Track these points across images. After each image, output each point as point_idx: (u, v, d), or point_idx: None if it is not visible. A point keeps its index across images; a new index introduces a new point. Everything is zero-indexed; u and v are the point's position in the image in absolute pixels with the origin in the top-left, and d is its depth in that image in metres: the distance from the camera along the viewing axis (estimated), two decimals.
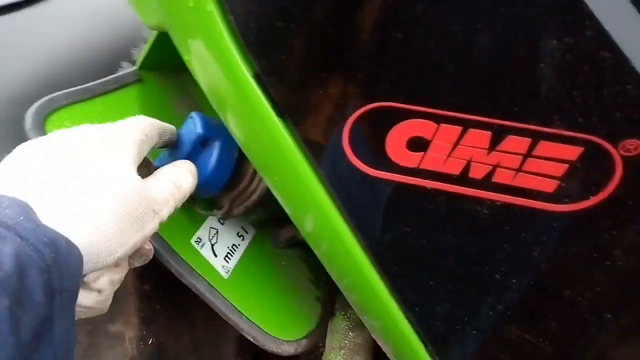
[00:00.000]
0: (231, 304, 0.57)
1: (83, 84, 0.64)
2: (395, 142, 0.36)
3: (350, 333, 0.71)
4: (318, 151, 0.39)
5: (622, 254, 0.37)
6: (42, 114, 0.49)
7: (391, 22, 0.32)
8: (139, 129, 0.42)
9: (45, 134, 0.49)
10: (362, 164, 0.38)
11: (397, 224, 0.41)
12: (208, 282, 0.56)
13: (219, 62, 0.36)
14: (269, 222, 0.68)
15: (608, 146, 0.32)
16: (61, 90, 0.60)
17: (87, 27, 0.73)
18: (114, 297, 0.71)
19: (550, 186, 0.35)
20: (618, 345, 0.42)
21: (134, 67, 0.60)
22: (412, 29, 0.32)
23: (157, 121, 0.46)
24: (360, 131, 0.37)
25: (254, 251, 0.65)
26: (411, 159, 0.37)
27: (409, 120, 0.35)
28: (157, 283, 0.76)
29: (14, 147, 0.37)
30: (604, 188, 0.34)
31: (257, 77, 0.36)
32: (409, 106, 0.34)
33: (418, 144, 0.36)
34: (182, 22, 0.36)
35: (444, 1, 0.30)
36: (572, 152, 0.33)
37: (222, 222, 0.63)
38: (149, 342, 0.76)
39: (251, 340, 0.59)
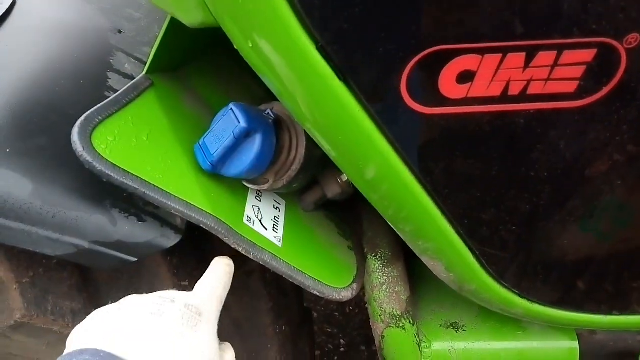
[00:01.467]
0: (294, 267, 0.63)
1: (74, 100, 0.64)
2: (447, 79, 0.43)
3: (385, 269, 0.79)
4: (379, 105, 0.45)
5: (630, 131, 0.47)
6: (86, 135, 0.51)
7: None
8: (220, 301, 0.50)
9: (95, 152, 0.50)
10: (419, 105, 0.45)
11: (450, 151, 0.49)
12: (271, 254, 0.61)
13: (285, 41, 0.41)
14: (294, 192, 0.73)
15: (615, 43, 0.41)
16: (55, 105, 0.60)
17: (60, 44, 0.72)
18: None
19: (572, 87, 0.44)
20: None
21: (143, 73, 0.62)
22: None
23: (228, 276, 0.53)
24: (416, 77, 0.43)
25: (290, 218, 0.71)
26: (460, 91, 0.44)
27: (457, 58, 0.42)
28: (193, 277, 0.79)
29: None
30: (613, 78, 0.43)
31: (321, 49, 0.41)
32: (457, 45, 0.41)
33: (466, 77, 0.43)
34: (245, 11, 0.40)
35: None
36: (589, 55, 0.41)
37: (259, 199, 0.67)
38: None
39: (317, 293, 0.65)
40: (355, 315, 1.85)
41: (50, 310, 0.66)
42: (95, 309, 0.71)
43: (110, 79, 0.72)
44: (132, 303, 0.44)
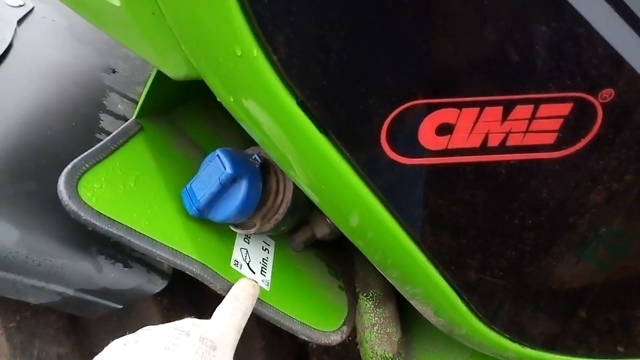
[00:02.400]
0: (282, 312, 0.62)
1: (65, 143, 0.65)
2: (426, 131, 0.43)
3: (377, 310, 0.78)
4: (360, 155, 0.45)
5: (610, 179, 0.47)
6: (72, 184, 0.51)
7: (414, 41, 0.39)
8: (237, 330, 0.50)
9: (81, 201, 0.51)
10: (400, 157, 0.45)
11: (433, 200, 0.49)
12: (259, 299, 0.60)
13: (265, 97, 0.41)
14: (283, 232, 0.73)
15: (590, 97, 0.41)
16: (46, 149, 0.61)
17: (54, 85, 0.73)
18: None
19: (550, 138, 0.44)
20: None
21: (133, 117, 0.63)
22: (430, 43, 0.39)
23: (250, 300, 0.54)
24: (396, 129, 0.43)
25: (280, 259, 0.70)
26: (440, 143, 0.44)
27: (436, 111, 0.42)
28: (183, 318, 0.78)
29: None
30: (590, 130, 0.43)
31: (301, 104, 0.42)
32: (434, 100, 0.42)
33: (445, 130, 0.43)
34: (227, 69, 0.41)
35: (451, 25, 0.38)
36: (565, 108, 0.42)
37: (247, 241, 0.67)
38: None
39: (305, 338, 0.64)
40: (354, 346, 1.82)
41: (36, 355, 0.65)
42: (83, 353, 0.70)
43: (102, 120, 0.73)
44: (148, 336, 0.45)
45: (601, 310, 0.63)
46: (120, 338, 0.45)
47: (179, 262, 0.54)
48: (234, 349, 0.49)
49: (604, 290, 0.61)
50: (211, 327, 0.48)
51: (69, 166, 0.52)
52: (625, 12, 0.37)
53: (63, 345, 0.67)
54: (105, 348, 0.44)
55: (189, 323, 0.48)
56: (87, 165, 0.54)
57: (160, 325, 0.47)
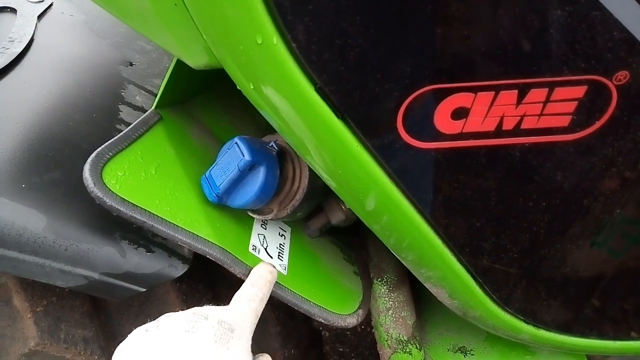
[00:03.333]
0: (299, 295, 0.64)
1: (87, 134, 0.67)
2: (442, 115, 0.44)
3: (391, 294, 0.80)
4: (376, 140, 0.46)
5: (624, 162, 0.47)
6: (97, 171, 0.53)
7: (430, 26, 0.40)
8: (255, 314, 0.51)
9: (105, 188, 0.52)
10: (416, 140, 0.46)
11: (448, 183, 0.50)
12: (277, 282, 0.62)
13: (285, 84, 0.43)
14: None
15: (605, 80, 0.42)
16: (69, 139, 0.63)
17: (74, 79, 0.75)
18: None
19: (565, 121, 0.45)
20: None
21: (152, 108, 0.64)
22: (446, 28, 0.40)
23: (267, 286, 0.55)
24: (412, 114, 0.44)
25: (296, 245, 0.72)
26: (455, 126, 0.45)
27: (452, 96, 0.43)
28: (202, 303, 0.80)
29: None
30: (605, 113, 0.44)
31: (319, 90, 0.43)
32: (450, 85, 0.43)
33: (460, 114, 0.44)
34: (248, 57, 0.42)
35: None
36: (580, 91, 0.43)
37: (264, 227, 0.69)
38: None
39: (322, 321, 0.66)
40: (367, 334, 1.84)
41: (63, 338, 0.68)
42: (105, 337, 0.73)
43: (121, 111, 0.75)
44: (169, 321, 0.47)
45: (615, 296, 0.63)
46: (142, 325, 0.47)
47: (199, 246, 0.56)
48: (252, 332, 0.50)
49: (619, 277, 0.61)
50: (229, 312, 0.50)
51: (94, 155, 0.54)
52: None
53: (87, 328, 0.69)
54: (128, 335, 0.46)
55: (208, 308, 0.49)
56: (110, 153, 0.55)
57: (181, 312, 0.49)
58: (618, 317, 0.66)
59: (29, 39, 0.74)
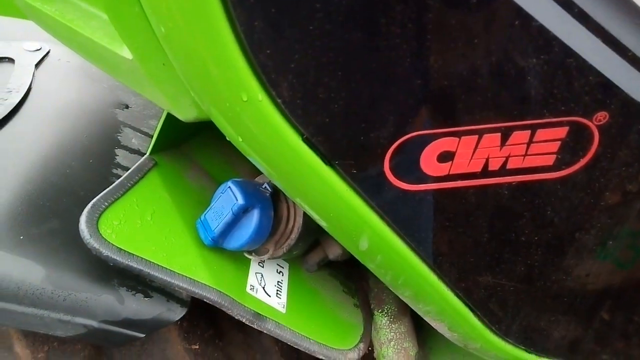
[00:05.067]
0: (298, 333, 0.64)
1: (84, 181, 0.68)
2: (428, 159, 0.45)
3: (392, 325, 0.80)
4: (365, 184, 0.47)
5: (610, 196, 0.48)
6: (93, 222, 0.54)
7: (409, 76, 0.41)
8: None
9: (102, 238, 0.53)
10: (403, 183, 0.47)
11: (439, 223, 0.50)
12: (274, 321, 0.62)
13: (272, 136, 0.44)
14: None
15: (585, 121, 0.43)
16: (66, 187, 0.64)
17: (71, 125, 0.76)
18: None
19: (550, 160, 0.45)
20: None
21: (147, 154, 0.65)
22: (427, 77, 0.41)
23: None
24: (398, 159, 0.45)
25: (294, 281, 0.72)
26: (442, 169, 0.46)
27: (436, 141, 0.44)
28: (204, 340, 0.81)
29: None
30: (588, 151, 0.45)
31: (307, 140, 0.44)
32: (434, 130, 0.43)
33: (446, 157, 0.45)
34: (235, 113, 0.43)
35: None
36: (562, 132, 0.43)
37: (262, 265, 0.69)
38: None
39: (323, 358, 0.66)
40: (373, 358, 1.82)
41: None
42: None
43: (118, 155, 0.76)
44: None
45: (620, 315, 0.63)
46: None
47: (197, 290, 0.56)
48: None
49: (618, 301, 0.61)
50: None
51: (89, 206, 0.55)
52: (611, 41, 0.39)
53: None
54: None
55: None
56: (105, 203, 0.56)
57: None
58: (619, 341, 0.66)
59: (27, 88, 0.76)
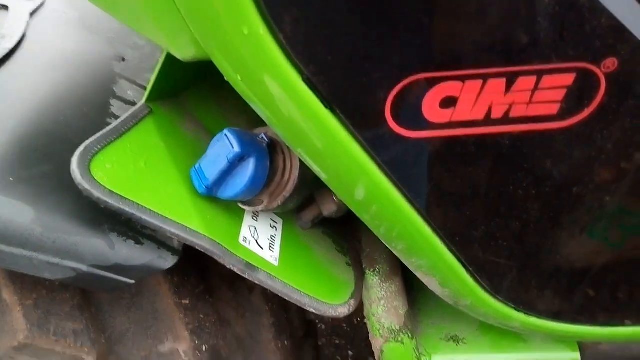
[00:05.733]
0: (290, 285, 0.64)
1: (78, 128, 0.66)
2: (430, 105, 0.44)
3: (383, 285, 0.80)
4: (365, 130, 0.46)
5: (614, 150, 0.47)
6: (85, 164, 0.53)
7: (417, 15, 0.39)
8: None
9: (93, 180, 0.52)
10: (405, 130, 0.46)
11: (437, 172, 0.50)
12: (267, 273, 0.62)
13: (272, 74, 0.42)
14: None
15: (593, 67, 0.42)
16: (60, 134, 0.63)
17: (66, 74, 0.74)
18: (157, 318, 0.75)
19: (554, 109, 0.45)
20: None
21: (142, 101, 0.63)
22: (433, 17, 0.40)
23: None
24: (400, 104, 0.44)
25: (288, 236, 0.72)
26: (444, 115, 0.45)
27: (439, 85, 0.43)
28: (194, 295, 0.80)
29: None
30: (594, 100, 0.44)
31: (307, 80, 0.43)
32: (438, 73, 0.42)
33: (449, 102, 0.44)
34: (235, 48, 0.41)
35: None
36: (568, 79, 0.42)
37: (255, 218, 0.69)
38: (204, 350, 0.81)
39: (313, 311, 0.66)
40: (363, 326, 1.85)
41: (52, 331, 0.67)
42: (96, 329, 0.73)
43: (112, 106, 0.74)
44: None
45: (607, 285, 0.64)
46: None
47: (188, 237, 0.55)
48: None
49: (612, 266, 0.62)
50: None
51: (82, 147, 0.53)
52: None
53: (77, 321, 0.69)
54: None
55: None
56: (98, 146, 0.55)
57: None
58: (610, 305, 0.67)
59: (21, 35, 0.73)
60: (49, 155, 0.60)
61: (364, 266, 0.82)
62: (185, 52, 0.48)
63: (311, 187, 0.67)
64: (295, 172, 0.62)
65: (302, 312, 1.05)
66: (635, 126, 0.45)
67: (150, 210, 0.54)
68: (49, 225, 0.55)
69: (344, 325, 1.81)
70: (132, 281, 0.59)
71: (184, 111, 0.71)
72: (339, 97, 0.44)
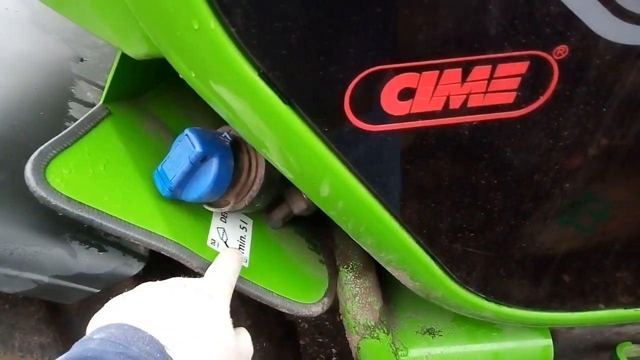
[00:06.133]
0: (260, 286, 0.63)
1: (33, 133, 0.64)
2: (388, 97, 0.44)
3: (357, 281, 0.80)
4: (325, 125, 0.46)
5: (570, 136, 0.48)
6: (40, 170, 0.51)
7: (371, 6, 0.39)
8: (230, 284, 0.53)
9: (49, 187, 0.50)
10: (364, 123, 0.46)
11: (399, 165, 0.50)
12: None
13: (226, 70, 0.41)
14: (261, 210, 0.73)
15: (545, 55, 0.42)
16: (14, 139, 0.61)
17: (19, 76, 0.72)
18: None
19: (510, 98, 0.45)
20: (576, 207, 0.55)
21: (100, 102, 0.62)
22: (387, 8, 0.39)
23: (237, 263, 0.56)
24: (358, 97, 0.44)
25: (258, 237, 0.71)
26: (403, 107, 0.45)
27: (397, 76, 0.43)
28: None
29: None
30: (548, 88, 0.45)
31: (263, 75, 0.42)
32: (394, 65, 0.42)
33: (407, 94, 0.44)
34: (186, 44, 0.40)
35: None
36: (522, 67, 0.43)
37: (224, 220, 0.67)
38: None
39: (285, 311, 0.65)
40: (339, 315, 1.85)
41: (17, 346, 0.65)
42: (65, 342, 0.70)
43: (71, 108, 0.72)
44: (146, 287, 0.47)
45: (579, 272, 0.65)
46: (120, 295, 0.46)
47: (153, 242, 0.54)
48: (229, 299, 0.51)
49: (581, 252, 0.63)
50: (205, 281, 0.51)
51: (36, 153, 0.52)
52: None
53: (44, 334, 0.67)
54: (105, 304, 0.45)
55: (185, 279, 0.50)
56: (54, 151, 0.53)
57: (158, 282, 0.49)
58: (581, 290, 0.68)
59: None
60: (3, 162, 0.58)
61: (337, 263, 0.82)
62: (137, 50, 0.47)
63: (279, 186, 0.66)
64: (261, 171, 0.61)
65: (280, 312, 1.04)
66: (588, 112, 0.46)
67: (112, 216, 0.52)
68: (5, 236, 0.53)
69: (327, 323, 1.81)
70: (97, 290, 0.58)
71: (145, 112, 0.69)
72: (296, 91, 0.44)
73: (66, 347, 0.70)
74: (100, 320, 0.42)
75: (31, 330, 0.66)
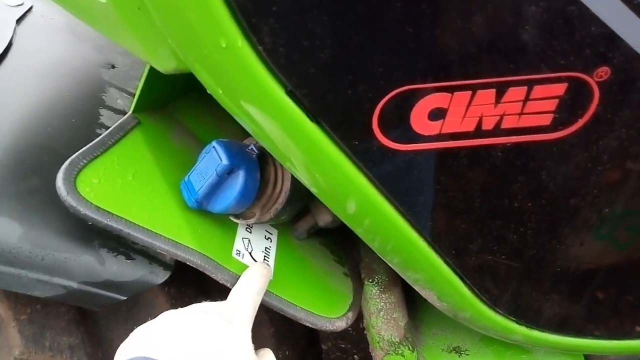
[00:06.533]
0: (284, 299, 0.63)
1: (66, 139, 0.66)
2: (418, 117, 0.43)
3: (382, 295, 0.78)
4: (353, 143, 0.45)
5: (610, 160, 0.46)
6: (70, 179, 0.52)
7: (402, 24, 0.38)
8: (253, 305, 0.53)
9: (79, 196, 0.51)
10: (393, 143, 0.45)
11: (429, 185, 0.48)
12: None
13: (254, 88, 0.41)
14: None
15: (585, 76, 0.40)
16: (48, 145, 0.62)
17: (54, 83, 0.74)
18: None
19: (547, 119, 0.43)
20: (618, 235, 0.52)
21: (129, 112, 0.63)
22: (419, 27, 0.38)
23: (263, 280, 0.56)
24: (387, 116, 0.43)
25: (283, 248, 0.71)
26: (433, 127, 0.44)
27: (428, 96, 0.42)
28: None
29: None
30: (587, 110, 0.42)
31: (290, 93, 0.42)
32: (425, 85, 0.41)
33: (437, 114, 0.43)
34: (213, 61, 0.40)
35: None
36: (560, 89, 0.41)
37: (249, 230, 0.67)
38: None
39: (310, 325, 0.65)
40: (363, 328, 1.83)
41: (48, 346, 0.67)
42: (92, 344, 0.72)
43: (102, 115, 0.73)
44: (169, 316, 0.48)
45: (615, 291, 0.62)
46: (144, 324, 0.48)
47: (179, 253, 0.54)
48: (251, 323, 0.52)
49: (614, 271, 0.60)
50: (228, 304, 0.52)
51: (67, 162, 0.53)
52: None
53: (73, 335, 0.69)
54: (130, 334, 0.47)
55: (205, 305, 0.51)
56: (84, 160, 0.54)
57: (180, 309, 0.50)
58: (612, 317, 0.65)
59: (7, 43, 0.73)
60: (37, 168, 0.60)
61: (362, 276, 0.81)
62: (165, 65, 0.47)
63: (304, 199, 0.66)
64: (287, 184, 0.61)
65: None
66: (631, 136, 0.43)
67: (139, 226, 0.53)
68: (37, 242, 0.55)
69: (350, 329, 1.80)
70: (124, 297, 0.59)
71: (174, 121, 0.70)
72: (324, 110, 0.43)
73: (93, 348, 0.72)
74: (127, 352, 0.44)
75: (61, 331, 0.68)
